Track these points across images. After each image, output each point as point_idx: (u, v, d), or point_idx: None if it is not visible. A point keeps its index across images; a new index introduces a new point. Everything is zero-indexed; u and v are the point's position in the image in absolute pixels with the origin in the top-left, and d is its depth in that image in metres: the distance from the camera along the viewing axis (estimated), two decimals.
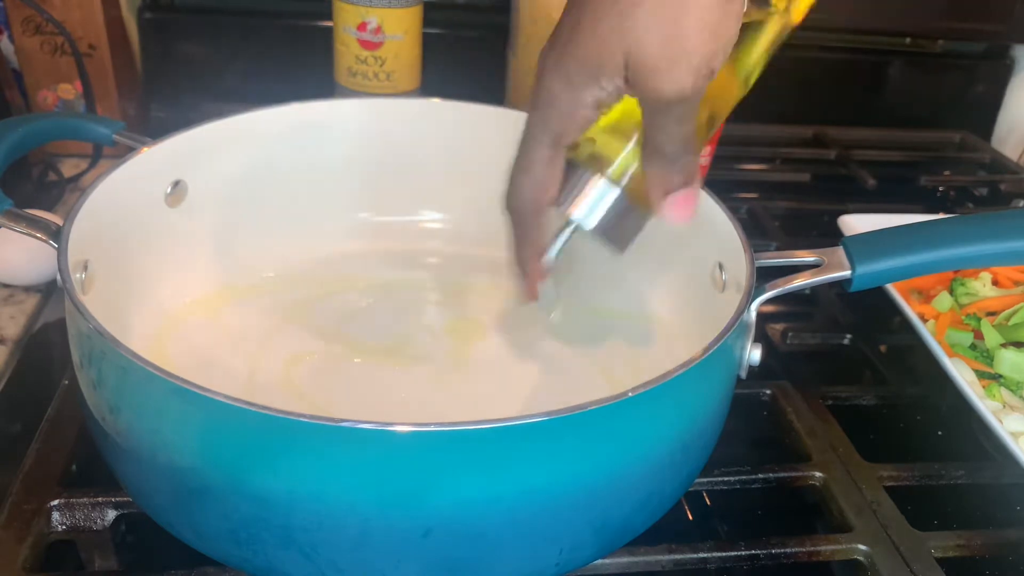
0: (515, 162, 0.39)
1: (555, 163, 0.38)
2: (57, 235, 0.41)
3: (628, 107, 0.39)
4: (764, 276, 0.42)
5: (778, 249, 0.71)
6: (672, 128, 0.36)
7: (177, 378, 0.33)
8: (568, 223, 0.41)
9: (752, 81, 0.43)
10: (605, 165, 0.40)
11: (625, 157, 0.40)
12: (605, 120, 0.40)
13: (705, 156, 0.73)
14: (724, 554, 0.44)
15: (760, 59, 0.42)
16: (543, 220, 0.40)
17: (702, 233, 0.49)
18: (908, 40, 0.98)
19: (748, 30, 0.40)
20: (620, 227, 0.41)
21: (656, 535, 0.42)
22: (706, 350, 0.37)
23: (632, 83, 0.35)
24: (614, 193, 0.40)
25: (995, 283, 0.64)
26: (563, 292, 0.53)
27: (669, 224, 0.39)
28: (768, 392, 0.55)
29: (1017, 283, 0.64)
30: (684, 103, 0.35)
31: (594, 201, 0.40)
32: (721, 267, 0.47)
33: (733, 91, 0.43)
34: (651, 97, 0.35)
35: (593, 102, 0.36)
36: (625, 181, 0.40)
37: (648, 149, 0.38)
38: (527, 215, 0.40)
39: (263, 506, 0.34)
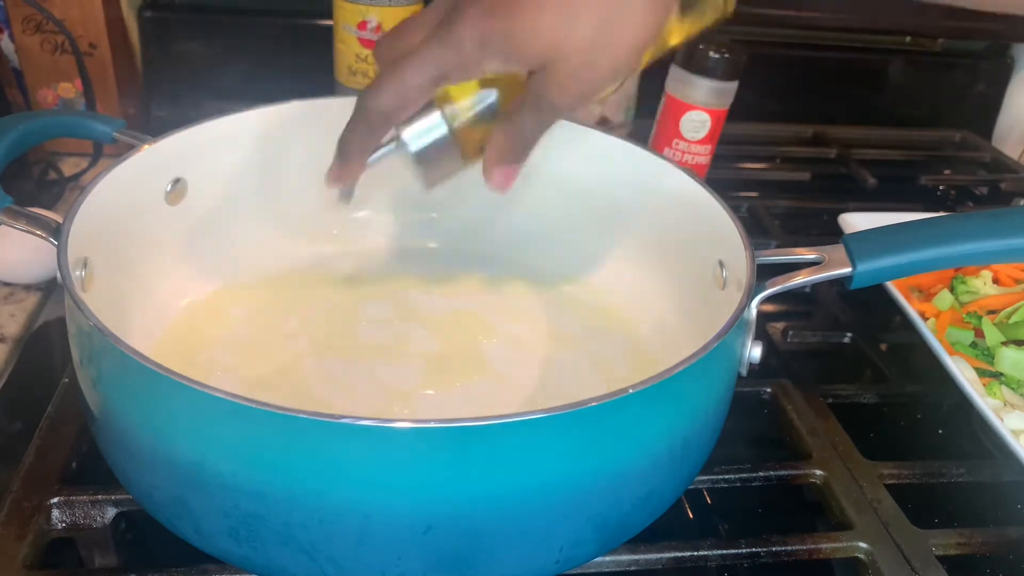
0: (387, 69, 0.39)
1: (424, 95, 0.39)
2: (57, 232, 0.40)
3: None
4: (764, 274, 0.42)
5: (778, 247, 0.71)
6: (540, 124, 0.40)
7: (177, 375, 0.33)
8: (394, 139, 0.43)
9: None
10: (448, 103, 0.42)
11: (469, 105, 0.42)
12: None
13: (705, 155, 0.73)
14: (725, 552, 0.44)
15: None
16: (386, 129, 0.42)
17: (703, 231, 0.49)
18: (908, 39, 0.98)
19: None
20: (436, 163, 0.43)
21: (656, 533, 0.42)
22: (706, 347, 0.37)
23: (536, 81, 0.37)
24: (443, 130, 0.42)
25: (996, 281, 0.64)
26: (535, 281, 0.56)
27: (488, 187, 0.42)
28: (768, 390, 0.55)
29: (1018, 281, 0.64)
30: (566, 114, 0.39)
31: (425, 130, 0.42)
32: (722, 265, 0.47)
33: None
34: (545, 101, 0.38)
35: (491, 70, 0.38)
36: (457, 125, 0.42)
37: (508, 126, 0.41)
38: (376, 120, 0.41)
39: (263, 503, 0.34)
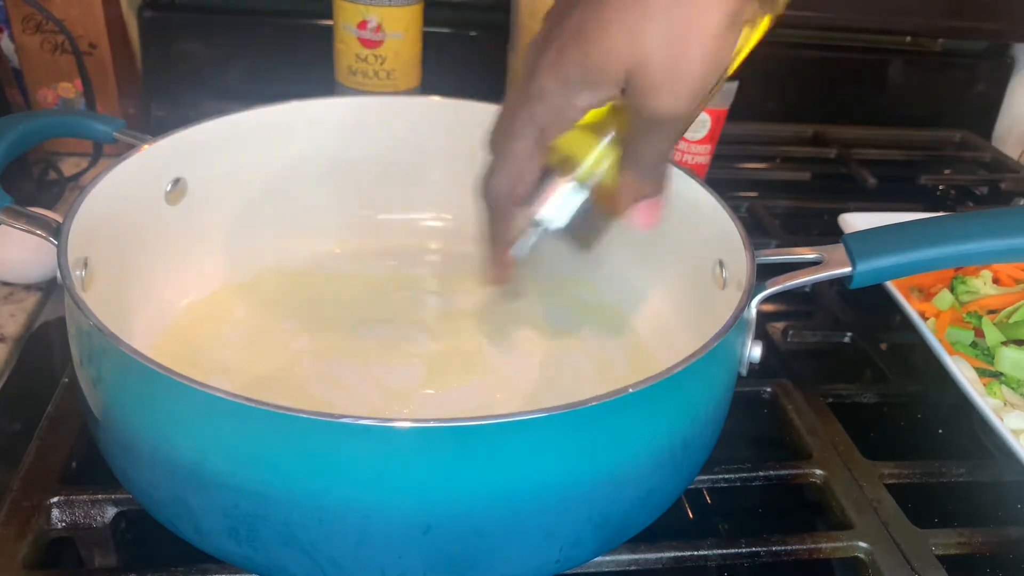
0: (495, 152, 0.39)
1: (535, 158, 0.38)
2: (57, 232, 0.40)
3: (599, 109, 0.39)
4: (765, 274, 0.42)
5: (778, 247, 0.71)
6: (657, 143, 0.37)
7: (177, 375, 0.33)
8: (537, 223, 0.42)
9: None
10: (573, 167, 0.40)
11: (594, 160, 0.40)
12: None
13: (705, 155, 0.73)
14: (725, 551, 0.44)
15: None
16: (516, 211, 0.41)
17: (703, 231, 0.49)
18: (908, 39, 0.98)
19: None
20: (586, 227, 0.42)
21: (657, 533, 0.42)
22: (706, 347, 0.37)
23: (630, 97, 0.35)
24: (581, 196, 0.41)
25: (996, 281, 0.64)
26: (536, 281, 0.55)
27: (635, 228, 0.40)
28: (769, 390, 0.55)
29: (1018, 281, 0.64)
30: (676, 122, 0.36)
31: (562, 202, 0.41)
32: (722, 264, 0.47)
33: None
34: (646, 113, 0.36)
35: (585, 106, 0.36)
36: (589, 184, 0.41)
37: (628, 158, 0.38)
38: (502, 205, 0.40)
39: (263, 503, 0.34)
